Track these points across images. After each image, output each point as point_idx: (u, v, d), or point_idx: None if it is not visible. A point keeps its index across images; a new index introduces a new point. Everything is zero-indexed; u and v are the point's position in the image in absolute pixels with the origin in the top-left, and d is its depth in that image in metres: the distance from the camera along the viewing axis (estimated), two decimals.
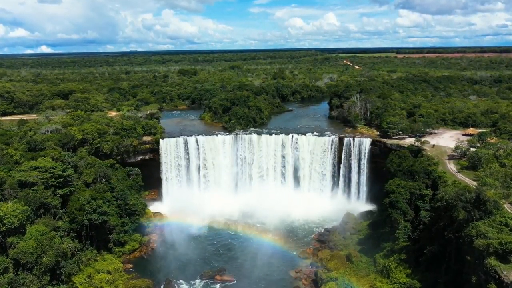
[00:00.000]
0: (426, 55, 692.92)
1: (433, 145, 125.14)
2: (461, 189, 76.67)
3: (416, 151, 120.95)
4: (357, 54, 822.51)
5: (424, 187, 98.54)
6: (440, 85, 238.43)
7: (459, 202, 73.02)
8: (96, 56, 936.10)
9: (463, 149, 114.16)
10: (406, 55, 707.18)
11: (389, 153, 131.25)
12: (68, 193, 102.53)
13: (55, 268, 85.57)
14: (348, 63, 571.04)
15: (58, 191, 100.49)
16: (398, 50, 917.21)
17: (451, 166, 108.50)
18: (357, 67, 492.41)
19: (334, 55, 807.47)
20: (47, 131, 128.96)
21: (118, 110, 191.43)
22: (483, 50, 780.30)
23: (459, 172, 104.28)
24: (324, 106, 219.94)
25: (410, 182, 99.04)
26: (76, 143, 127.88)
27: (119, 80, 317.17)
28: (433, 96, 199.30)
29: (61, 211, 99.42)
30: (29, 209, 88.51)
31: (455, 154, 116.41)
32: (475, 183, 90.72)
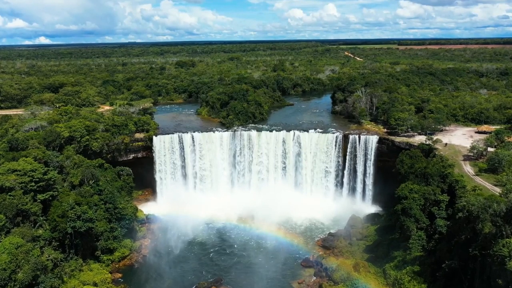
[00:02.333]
0: (429, 46, 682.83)
1: (446, 144, 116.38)
2: (487, 198, 67.84)
3: (427, 151, 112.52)
4: (358, 46, 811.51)
5: (439, 192, 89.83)
6: (446, 78, 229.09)
7: (485, 214, 64.44)
8: (93, 47, 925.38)
9: (480, 149, 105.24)
10: (408, 47, 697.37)
11: (398, 151, 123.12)
12: (50, 198, 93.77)
13: (32, 283, 77.17)
14: (349, 54, 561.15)
15: (39, 196, 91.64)
16: (400, 42, 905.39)
17: (468, 168, 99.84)
18: (358, 58, 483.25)
19: (335, 46, 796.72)
20: (31, 128, 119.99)
21: (111, 104, 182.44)
22: (486, 41, 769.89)
23: (477, 175, 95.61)
24: (327, 99, 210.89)
25: (424, 187, 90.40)
26: (62, 141, 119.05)
27: (114, 72, 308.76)
28: (441, 90, 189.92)
29: (41, 218, 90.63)
30: (4, 218, 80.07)
31: (471, 154, 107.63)
32: (497, 189, 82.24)
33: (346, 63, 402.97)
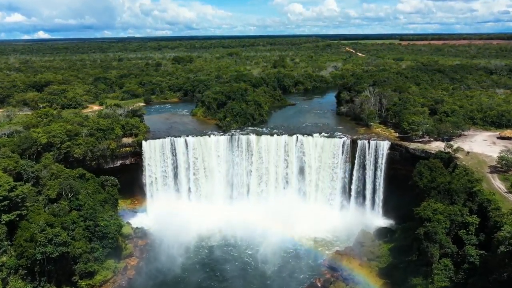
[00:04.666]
0: (432, 42, 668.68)
1: (468, 152, 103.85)
2: None
3: (446, 160, 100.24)
4: (360, 41, 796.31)
5: (467, 213, 77.72)
6: (456, 76, 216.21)
7: None
8: (92, 42, 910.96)
9: (510, 160, 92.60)
10: (411, 42, 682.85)
11: (412, 159, 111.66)
12: (17, 218, 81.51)
13: None
14: (351, 50, 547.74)
15: (3, 216, 79.33)
16: (402, 37, 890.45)
17: (498, 184, 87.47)
18: (360, 54, 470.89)
19: (335, 41, 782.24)
20: (4, 134, 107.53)
21: (101, 104, 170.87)
22: (490, 37, 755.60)
23: (510, 192, 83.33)
24: (330, 98, 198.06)
25: (449, 207, 78.23)
26: (39, 148, 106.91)
27: (109, 68, 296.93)
28: (454, 89, 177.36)
29: (6, 243, 78.57)
30: None
31: (499, 165, 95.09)
32: None
33: (348, 59, 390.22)
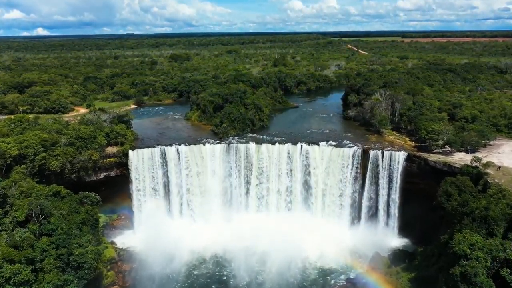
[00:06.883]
0: (435, 39, 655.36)
1: (499, 167, 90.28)
2: None
3: (474, 176, 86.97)
4: (361, 38, 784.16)
5: (510, 248, 64.57)
6: (468, 75, 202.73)
7: None
8: (89, 39, 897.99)
9: None
10: (414, 40, 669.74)
11: (432, 173, 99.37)
12: None
13: None
14: (353, 47, 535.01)
15: None
16: (404, 34, 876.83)
17: None
18: (362, 52, 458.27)
19: (337, 39, 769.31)
20: None
21: (88, 107, 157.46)
22: (493, 34, 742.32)
23: None
24: (335, 100, 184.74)
25: (490, 241, 64.92)
26: (10, 161, 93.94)
27: (102, 67, 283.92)
28: (471, 91, 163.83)
29: None
30: None
31: None
32: None
33: (351, 56, 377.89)
